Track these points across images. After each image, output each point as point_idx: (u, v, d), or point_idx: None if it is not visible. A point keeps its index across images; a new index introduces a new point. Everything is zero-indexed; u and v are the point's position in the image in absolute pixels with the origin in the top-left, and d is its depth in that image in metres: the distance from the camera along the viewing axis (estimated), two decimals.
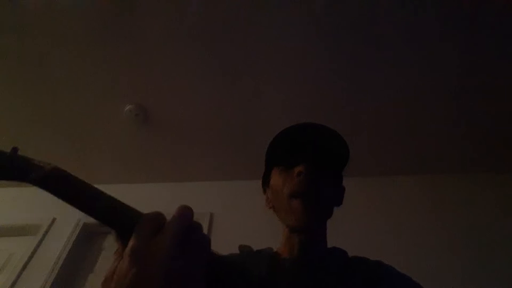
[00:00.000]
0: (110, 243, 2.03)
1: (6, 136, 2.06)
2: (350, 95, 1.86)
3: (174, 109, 1.96)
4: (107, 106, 1.93)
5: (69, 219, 2.02)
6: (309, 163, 0.63)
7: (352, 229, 1.91)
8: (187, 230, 0.33)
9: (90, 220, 0.42)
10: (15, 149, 0.38)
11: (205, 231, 2.00)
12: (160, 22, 1.60)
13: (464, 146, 2.07)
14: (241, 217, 2.07)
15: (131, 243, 0.31)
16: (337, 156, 0.69)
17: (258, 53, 1.70)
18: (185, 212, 0.35)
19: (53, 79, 1.81)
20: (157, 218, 0.34)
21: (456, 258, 1.77)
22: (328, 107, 1.92)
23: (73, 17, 1.58)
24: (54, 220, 2.07)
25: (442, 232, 1.90)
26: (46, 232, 2.01)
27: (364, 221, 1.98)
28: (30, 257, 1.89)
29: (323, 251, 0.67)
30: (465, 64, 1.70)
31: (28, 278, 1.80)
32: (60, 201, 0.37)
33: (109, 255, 1.96)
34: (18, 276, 1.79)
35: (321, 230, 0.67)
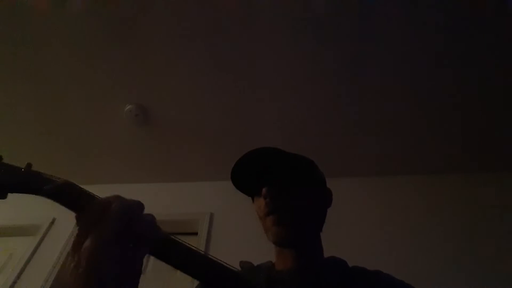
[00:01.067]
0: None
1: (5, 136, 2.07)
2: (350, 95, 1.86)
3: (174, 109, 1.96)
4: (107, 106, 1.94)
5: (69, 219, 2.02)
6: (271, 185, 0.67)
7: (352, 229, 1.91)
8: (126, 226, 0.36)
9: None
10: (29, 165, 0.43)
11: (205, 231, 2.01)
12: (160, 22, 1.60)
13: (464, 146, 2.08)
14: (241, 217, 2.06)
15: (75, 235, 0.36)
16: (299, 171, 0.71)
17: (258, 53, 1.70)
18: (121, 210, 0.37)
19: (53, 79, 1.82)
20: (98, 209, 0.37)
21: (456, 258, 1.77)
22: (326, 107, 1.92)
23: (73, 18, 1.58)
24: (54, 220, 2.07)
25: (442, 232, 1.90)
26: (46, 232, 2.02)
27: (364, 221, 1.99)
28: (30, 257, 1.89)
29: (320, 262, 0.68)
30: (465, 63, 1.70)
31: (28, 278, 1.80)
32: None
33: None
34: (18, 276, 1.80)
35: (312, 241, 0.69)
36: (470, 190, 2.10)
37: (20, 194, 0.43)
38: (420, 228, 1.94)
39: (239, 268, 0.72)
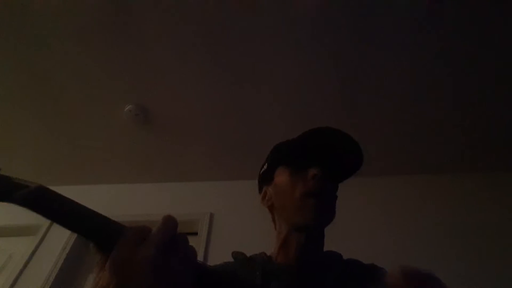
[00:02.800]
0: None
1: (5, 137, 2.07)
2: (350, 95, 1.86)
3: (174, 109, 1.96)
4: (107, 106, 1.93)
5: None
6: (322, 166, 0.65)
7: (351, 229, 1.91)
8: (172, 241, 0.33)
9: None
10: None
11: (205, 231, 2.01)
12: (161, 22, 1.60)
13: (464, 146, 2.07)
14: (241, 217, 2.07)
15: (113, 254, 0.31)
16: (348, 164, 0.70)
17: (258, 53, 1.70)
18: (169, 223, 0.34)
19: (53, 79, 1.81)
20: (141, 230, 0.33)
21: (456, 258, 1.77)
22: (327, 107, 1.92)
23: (73, 17, 1.58)
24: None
25: (442, 232, 1.90)
26: (46, 232, 2.02)
27: (363, 221, 1.98)
28: (30, 257, 1.89)
29: (320, 255, 0.67)
30: (465, 63, 1.69)
31: (28, 278, 1.80)
32: None
33: None
34: (18, 276, 1.80)
35: (321, 233, 0.68)
36: (470, 190, 2.10)
37: None
38: (420, 228, 1.94)
39: (232, 259, 0.71)
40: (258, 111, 1.96)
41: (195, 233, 2.00)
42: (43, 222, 2.05)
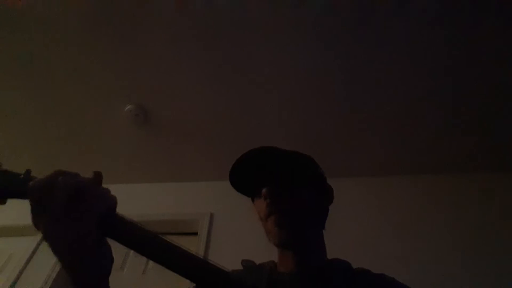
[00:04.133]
0: (109, 242, 2.02)
1: (5, 136, 2.07)
2: (350, 95, 1.86)
3: (174, 109, 1.96)
4: (107, 106, 1.93)
5: None
6: (271, 184, 0.66)
7: (352, 229, 1.91)
8: (76, 194, 0.37)
9: None
10: (28, 171, 0.42)
11: (205, 231, 2.01)
12: (161, 22, 1.60)
13: (464, 146, 2.07)
14: (241, 217, 2.06)
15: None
16: (298, 169, 0.69)
17: (258, 52, 1.70)
18: (68, 179, 0.38)
19: (53, 79, 1.81)
20: (44, 184, 0.38)
21: (456, 258, 1.77)
22: (327, 107, 1.92)
23: (73, 17, 1.58)
24: None
25: (442, 232, 1.90)
26: None
27: (364, 221, 1.98)
28: (30, 257, 1.89)
29: (322, 262, 0.67)
30: (465, 63, 1.69)
31: (28, 278, 1.80)
32: None
33: None
34: (18, 276, 1.79)
35: (314, 241, 0.68)
36: (470, 190, 2.10)
37: None
38: (420, 228, 1.93)
39: (241, 267, 0.71)
40: (258, 111, 1.96)
41: (195, 233, 2.00)
42: None
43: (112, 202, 0.41)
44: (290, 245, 0.65)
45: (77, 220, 0.36)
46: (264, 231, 0.69)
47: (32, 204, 0.37)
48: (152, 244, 0.41)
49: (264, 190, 0.65)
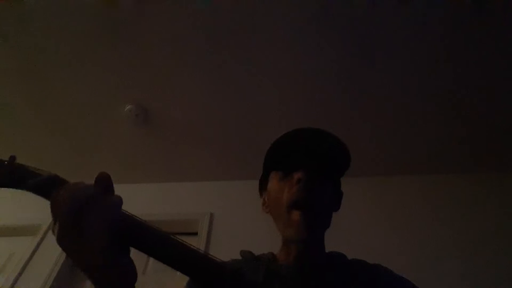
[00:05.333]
0: None
1: (5, 136, 2.07)
2: (350, 95, 1.86)
3: (174, 109, 1.96)
4: (107, 106, 1.93)
5: None
6: (308, 169, 0.61)
7: (352, 229, 1.91)
8: (85, 203, 0.35)
9: None
10: (12, 157, 0.40)
11: (205, 231, 2.01)
12: (161, 22, 1.60)
13: (464, 146, 2.07)
14: (241, 217, 2.06)
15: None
16: (337, 162, 0.67)
17: (258, 52, 1.70)
18: (76, 189, 0.37)
19: (53, 79, 1.81)
20: (60, 195, 0.36)
21: (456, 258, 1.77)
22: (327, 107, 1.92)
23: (73, 17, 1.58)
24: None
25: (442, 232, 1.90)
26: (46, 232, 2.01)
27: (364, 221, 1.98)
28: (30, 257, 1.89)
29: (321, 257, 0.66)
30: (464, 63, 1.69)
31: (28, 278, 1.80)
32: None
33: None
34: (18, 276, 1.79)
35: (318, 238, 0.67)
36: (470, 190, 2.10)
37: (20, 193, 0.41)
38: (420, 228, 1.93)
39: (240, 257, 0.71)
40: (258, 111, 1.96)
41: (195, 233, 2.00)
42: (43, 222, 2.05)
43: (118, 207, 0.39)
44: (303, 243, 0.62)
45: (85, 233, 0.34)
46: (272, 216, 0.65)
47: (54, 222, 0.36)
48: (169, 248, 0.40)
49: (300, 173, 0.59)
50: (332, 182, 0.68)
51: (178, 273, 0.40)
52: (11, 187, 0.39)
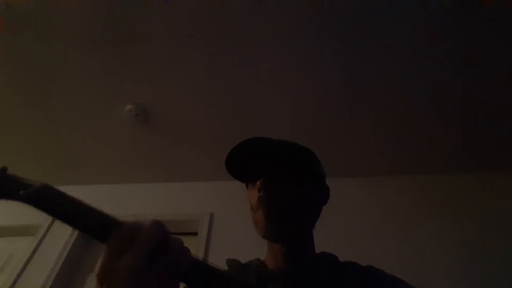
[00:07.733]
0: None
1: (5, 136, 2.07)
2: (350, 95, 1.86)
3: (174, 109, 1.96)
4: (107, 106, 1.93)
5: None
6: (267, 176, 0.65)
7: (351, 229, 1.91)
8: (159, 247, 0.34)
9: None
10: (3, 169, 0.39)
11: (205, 231, 2.01)
12: (160, 22, 1.60)
13: (464, 146, 2.07)
14: (241, 217, 2.05)
15: (100, 260, 0.33)
16: (297, 163, 0.68)
17: (258, 53, 1.70)
18: (155, 230, 0.35)
19: (53, 79, 1.81)
20: (129, 232, 0.34)
21: (456, 258, 1.77)
22: (327, 107, 1.92)
23: (73, 17, 1.58)
24: (54, 220, 2.07)
25: (442, 232, 1.90)
26: (46, 232, 2.02)
27: (363, 221, 1.98)
28: (30, 257, 1.89)
29: (311, 258, 0.67)
30: (465, 63, 1.69)
31: (28, 278, 1.80)
32: None
33: None
34: (18, 276, 1.80)
35: (302, 238, 0.67)
36: (470, 190, 2.10)
37: None
38: (420, 228, 1.93)
39: (226, 267, 0.71)
40: (258, 111, 1.96)
41: (195, 233, 2.00)
42: (43, 222, 2.05)
43: (190, 257, 0.38)
44: (276, 238, 0.65)
45: (159, 275, 0.33)
46: (252, 221, 0.68)
47: (107, 252, 0.34)
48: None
49: (258, 182, 0.64)
50: (299, 180, 0.68)
51: None
52: (1, 199, 0.38)
